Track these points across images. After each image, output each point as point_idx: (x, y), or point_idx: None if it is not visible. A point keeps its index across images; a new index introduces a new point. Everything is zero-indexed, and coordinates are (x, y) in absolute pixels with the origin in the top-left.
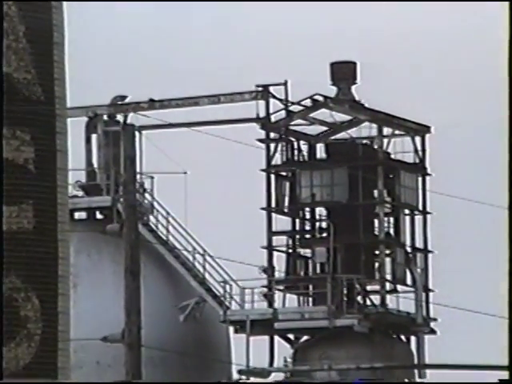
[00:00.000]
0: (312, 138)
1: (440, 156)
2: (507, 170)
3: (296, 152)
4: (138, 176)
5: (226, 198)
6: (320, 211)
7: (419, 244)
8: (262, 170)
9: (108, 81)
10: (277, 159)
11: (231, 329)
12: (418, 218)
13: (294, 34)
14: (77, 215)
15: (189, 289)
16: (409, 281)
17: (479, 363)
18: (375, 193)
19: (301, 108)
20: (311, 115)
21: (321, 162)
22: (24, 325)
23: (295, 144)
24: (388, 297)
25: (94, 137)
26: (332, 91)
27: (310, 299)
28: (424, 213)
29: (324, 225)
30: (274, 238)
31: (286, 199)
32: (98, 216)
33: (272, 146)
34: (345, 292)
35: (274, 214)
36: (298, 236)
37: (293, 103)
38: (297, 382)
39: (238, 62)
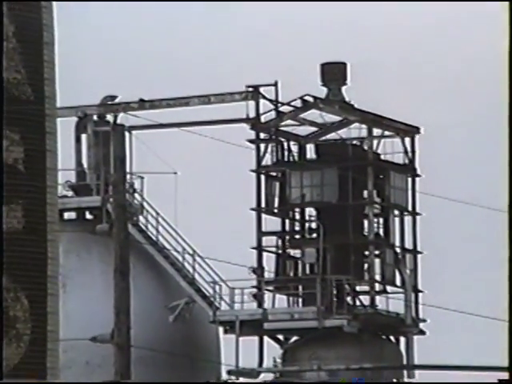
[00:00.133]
0: (302, 139)
1: (429, 157)
2: (507, 170)
3: (286, 152)
4: (127, 176)
5: (215, 198)
6: (310, 212)
7: (409, 245)
8: (252, 171)
9: (98, 81)
10: (267, 160)
11: (221, 329)
12: (408, 219)
13: (284, 35)
14: (66, 215)
15: (178, 289)
16: (398, 281)
17: (468, 364)
18: (365, 193)
19: (291, 109)
20: (301, 116)
21: (311, 163)
22: (13, 325)
23: (285, 144)
24: (377, 297)
25: (83, 137)
26: (322, 92)
27: (300, 300)
28: (413, 214)
29: (314, 225)
30: (264, 238)
31: (276, 200)
32: (88, 216)
33: (262, 146)
34: (334, 292)
35: (263, 215)
36: (287, 236)
37: (283, 104)
38: (286, 383)
39: (229, 62)
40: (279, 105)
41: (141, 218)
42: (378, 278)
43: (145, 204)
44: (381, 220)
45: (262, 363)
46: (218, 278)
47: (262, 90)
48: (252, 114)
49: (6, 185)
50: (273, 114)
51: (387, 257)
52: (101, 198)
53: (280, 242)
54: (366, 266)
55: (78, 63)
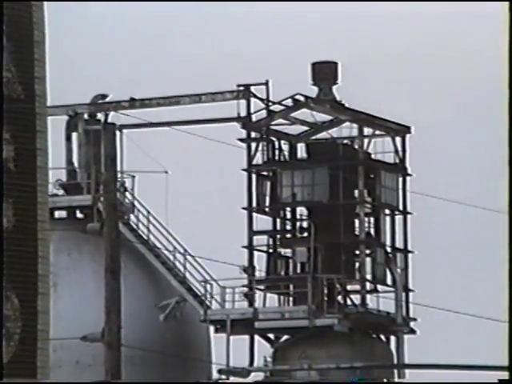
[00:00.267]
0: (293, 138)
1: (420, 156)
2: (507, 170)
3: (277, 152)
4: (118, 175)
5: (206, 197)
6: (301, 211)
7: (399, 244)
8: (243, 170)
9: (89, 79)
10: (258, 159)
11: (211, 328)
12: (399, 218)
13: (274, 34)
14: (57, 214)
15: (169, 288)
16: (389, 281)
17: (459, 363)
18: (356, 193)
19: (282, 108)
20: (292, 115)
21: (302, 162)
22: (3, 324)
23: (276, 144)
24: (368, 297)
25: (74, 135)
26: (313, 91)
27: (291, 299)
28: (404, 213)
29: (305, 224)
30: (255, 237)
31: (267, 199)
32: (79, 215)
33: (253, 145)
34: (325, 292)
35: (254, 214)
36: (278, 236)
37: (274, 103)
38: (277, 382)
39: (219, 61)
40: (270, 104)
41: (132, 216)
42: (368, 277)
43: (136, 203)
44: (371, 219)
45: (253, 362)
46: (209, 276)
47: (253, 89)
48: (243, 113)
49: None
50: (264, 113)
51: (378, 256)
52: (92, 197)
53: (271, 241)
54: (356, 265)
55: (68, 62)
